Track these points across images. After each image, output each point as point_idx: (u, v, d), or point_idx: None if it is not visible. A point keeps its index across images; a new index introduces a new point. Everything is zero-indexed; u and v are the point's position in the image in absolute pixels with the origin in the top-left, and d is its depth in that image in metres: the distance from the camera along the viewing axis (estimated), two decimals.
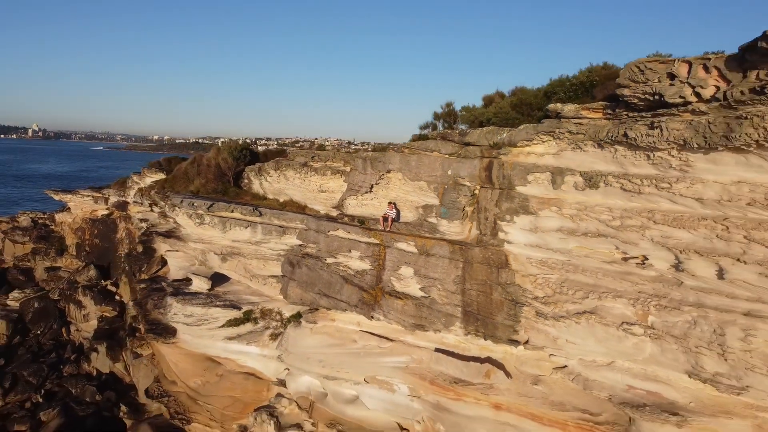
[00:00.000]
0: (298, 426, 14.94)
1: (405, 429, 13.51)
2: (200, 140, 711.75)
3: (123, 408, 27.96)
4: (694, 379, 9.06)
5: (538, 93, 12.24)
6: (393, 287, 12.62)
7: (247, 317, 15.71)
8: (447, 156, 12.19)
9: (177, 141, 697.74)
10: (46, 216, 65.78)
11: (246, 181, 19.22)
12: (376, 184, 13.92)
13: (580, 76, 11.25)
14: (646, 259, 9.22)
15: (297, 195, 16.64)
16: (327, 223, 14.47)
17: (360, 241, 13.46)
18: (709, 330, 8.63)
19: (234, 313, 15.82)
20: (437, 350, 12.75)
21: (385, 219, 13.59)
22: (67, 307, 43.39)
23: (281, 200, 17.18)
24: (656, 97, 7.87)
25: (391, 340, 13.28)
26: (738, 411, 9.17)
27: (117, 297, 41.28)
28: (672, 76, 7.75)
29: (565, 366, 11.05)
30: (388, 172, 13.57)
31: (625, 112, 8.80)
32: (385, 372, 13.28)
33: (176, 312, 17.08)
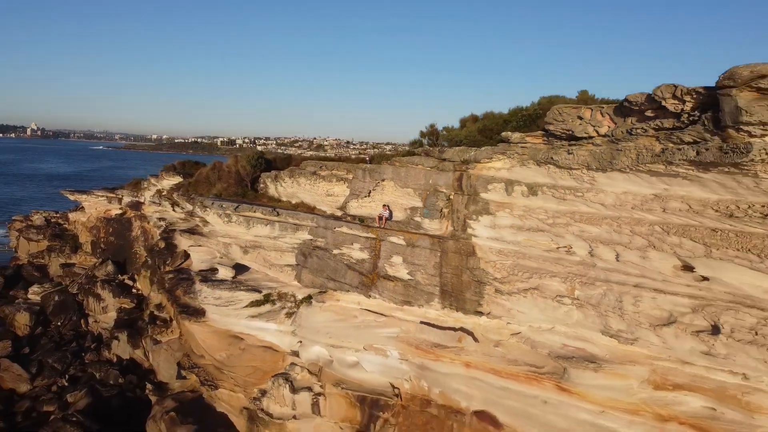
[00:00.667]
0: (309, 388, 18.31)
1: (396, 387, 16.88)
2: (199, 140, 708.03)
3: (148, 386, 31.47)
4: (606, 336, 12.44)
5: (500, 119, 15.63)
6: (386, 272, 16.02)
7: (267, 299, 19.08)
8: (429, 168, 15.57)
9: (176, 140, 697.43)
10: (58, 215, 69.29)
11: (262, 185, 22.58)
12: (373, 190, 17.31)
13: (529, 109, 14.61)
14: (571, 248, 12.58)
15: (307, 198, 20.00)
16: (333, 221, 17.85)
17: (360, 236, 16.85)
18: (614, 299, 12.00)
19: (255, 296, 19.20)
20: (422, 322, 16.13)
21: (380, 218, 16.95)
22: (85, 300, 46.70)
23: (293, 202, 20.54)
24: (570, 131, 11.22)
25: (385, 316, 16.66)
26: (639, 360, 12.55)
27: (134, 290, 44.70)
28: (580, 118, 11.09)
29: (519, 332, 14.43)
30: (383, 180, 16.96)
31: (555, 140, 12.15)
32: (380, 341, 16.66)
33: (206, 296, 20.45)
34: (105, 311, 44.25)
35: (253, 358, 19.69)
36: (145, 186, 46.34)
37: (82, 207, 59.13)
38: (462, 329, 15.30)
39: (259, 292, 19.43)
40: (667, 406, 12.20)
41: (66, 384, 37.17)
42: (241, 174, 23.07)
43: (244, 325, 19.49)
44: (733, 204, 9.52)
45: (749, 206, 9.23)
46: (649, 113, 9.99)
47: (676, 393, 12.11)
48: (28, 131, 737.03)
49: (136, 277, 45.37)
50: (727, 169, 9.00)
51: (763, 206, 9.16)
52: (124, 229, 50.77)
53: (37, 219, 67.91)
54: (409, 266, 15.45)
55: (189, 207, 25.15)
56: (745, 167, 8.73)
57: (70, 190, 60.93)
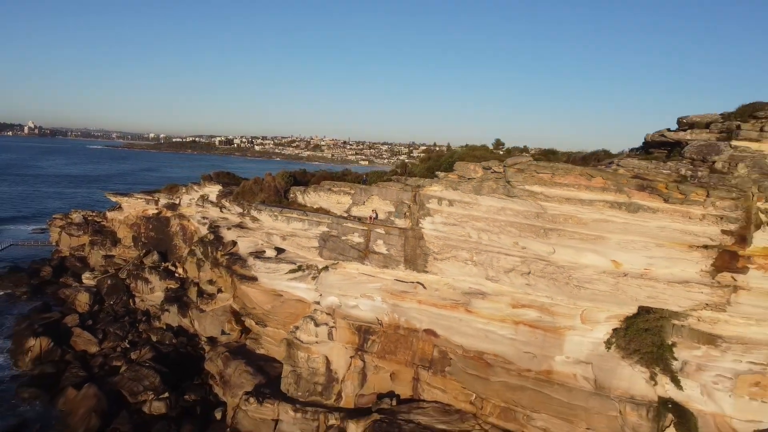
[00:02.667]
0: (326, 324, 29.87)
1: (379, 319, 28.46)
2: (197, 139, 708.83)
3: (202, 339, 43.29)
4: (488, 280, 24.10)
5: (438, 161, 27.37)
6: (373, 249, 27.66)
7: (299, 268, 30.69)
8: (398, 189, 27.21)
9: (174, 139, 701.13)
10: (94, 214, 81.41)
11: (293, 195, 34.21)
12: (366, 200, 28.95)
13: (447, 157, 26.33)
14: (470, 235, 24.20)
15: (324, 204, 31.59)
16: (342, 219, 29.43)
17: (358, 228, 28.46)
18: (489, 259, 23.66)
19: (292, 266, 30.80)
20: (395, 280, 27.74)
21: (371, 218, 28.49)
22: (133, 284, 58.29)
23: (315, 207, 32.13)
24: (462, 176, 22.85)
25: (373, 276, 28.27)
26: (504, 292, 24.23)
27: (177, 274, 56.15)
28: (476, 169, 22.70)
29: (447, 282, 26.06)
30: (372, 195, 28.61)
31: (460, 177, 23.80)
32: (369, 291, 28.28)
33: (258, 267, 32.09)
34: (152, 291, 55.88)
35: (289, 307, 31.28)
36: (184, 191, 58.05)
37: (120, 207, 70.88)
38: (417, 282, 26.95)
39: (294, 263, 31.08)
40: (518, 316, 23.93)
41: (128, 346, 48.88)
42: (277, 187, 34.72)
43: (285, 285, 31.16)
44: (522, 213, 21.23)
45: (524, 211, 20.93)
46: (495, 168, 21.67)
47: (523, 309, 23.83)
48: (26, 129, 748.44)
49: (177, 264, 57.01)
50: (510, 196, 20.77)
51: (527, 211, 20.92)
52: (163, 226, 62.49)
53: (76, 217, 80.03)
54: (387, 246, 27.12)
55: (239, 210, 36.83)
56: (515, 195, 20.47)
57: (113, 193, 72.95)
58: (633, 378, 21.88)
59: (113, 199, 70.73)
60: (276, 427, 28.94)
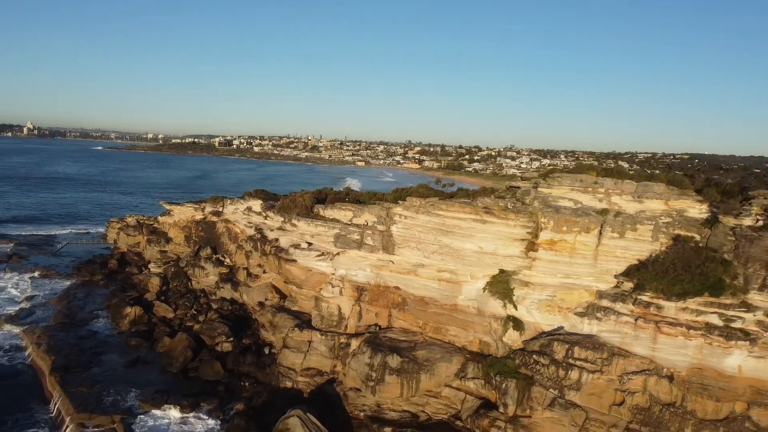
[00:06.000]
0: (338, 286, 52.63)
1: (369, 282, 51.25)
2: (196, 140, 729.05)
3: (251, 304, 65.80)
4: (426, 259, 46.91)
5: (404, 190, 50.23)
6: (365, 242, 50.61)
7: (322, 254, 53.57)
8: (379, 208, 50.10)
9: (173, 140, 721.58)
10: (145, 218, 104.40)
11: (316, 210, 57.14)
12: (361, 214, 51.84)
13: (412, 189, 49.11)
14: (417, 235, 46.93)
15: (336, 216, 54.40)
16: (347, 225, 52.27)
17: (356, 230, 51.38)
18: (424, 247, 46.54)
19: (317, 253, 53.70)
20: (378, 259, 50.54)
21: (365, 224, 51.29)
22: (191, 270, 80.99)
23: (330, 218, 54.99)
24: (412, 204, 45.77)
25: (365, 257, 51.06)
26: (433, 265, 47.11)
27: (225, 263, 78.59)
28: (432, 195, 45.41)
29: (408, 261, 48.86)
30: (365, 211, 51.49)
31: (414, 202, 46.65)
32: (363, 266, 51.20)
33: (297, 254, 55.01)
34: (207, 276, 78.62)
35: (316, 277, 54.20)
36: (229, 203, 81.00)
37: (170, 212, 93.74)
38: (389, 260, 49.80)
39: (319, 251, 54.01)
40: (440, 276, 46.89)
41: (195, 312, 71.43)
42: (306, 204, 57.67)
43: (313, 264, 54.11)
44: (437, 223, 44.10)
45: (438, 222, 43.83)
46: (422, 202, 44.54)
47: (441, 273, 46.82)
48: (25, 130, 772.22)
49: (224, 256, 79.78)
50: (429, 215, 43.65)
51: (439, 222, 43.82)
52: (210, 228, 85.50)
53: (131, 221, 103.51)
54: (373, 240, 50.07)
55: (281, 219, 59.88)
56: (432, 214, 43.41)
57: (167, 202, 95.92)
58: (495, 306, 44.83)
59: (167, 206, 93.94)
60: (310, 345, 51.84)
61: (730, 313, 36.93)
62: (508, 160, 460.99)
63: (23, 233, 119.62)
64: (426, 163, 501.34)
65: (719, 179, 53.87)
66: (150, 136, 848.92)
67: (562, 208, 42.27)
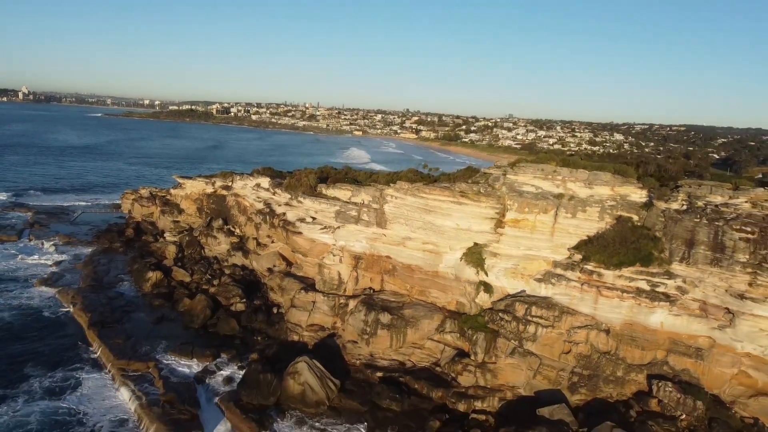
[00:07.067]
0: (339, 255, 61.71)
1: (365, 251, 60.35)
2: (193, 107, 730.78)
3: (261, 270, 75.10)
4: (412, 233, 55.90)
5: (397, 174, 59.01)
6: (362, 218, 59.67)
7: (325, 227, 62.54)
8: (374, 189, 58.99)
9: (170, 107, 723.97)
10: (157, 190, 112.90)
11: (319, 189, 65.90)
12: (359, 194, 60.70)
13: (402, 173, 57.84)
14: (407, 213, 55.84)
15: (337, 194, 63.23)
16: (346, 203, 61.19)
17: (354, 207, 60.37)
18: (411, 223, 55.54)
19: (321, 226, 62.67)
20: (372, 232, 59.55)
21: (362, 203, 60.19)
22: (204, 239, 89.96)
23: (332, 196, 63.85)
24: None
25: (362, 231, 60.11)
26: (419, 238, 56.16)
27: (235, 233, 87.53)
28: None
29: (399, 234, 57.86)
30: (361, 191, 60.37)
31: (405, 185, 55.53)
32: (360, 238, 60.32)
33: (302, 227, 64.01)
34: (219, 245, 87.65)
35: (319, 247, 63.27)
36: (238, 178, 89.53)
37: (182, 185, 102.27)
38: (382, 233, 58.81)
39: (322, 225, 62.96)
40: (425, 247, 56.02)
41: (210, 277, 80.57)
42: (311, 183, 66.43)
43: (317, 236, 63.18)
44: (421, 203, 53.04)
45: (422, 203, 52.70)
46: (410, 186, 53.33)
47: (426, 245, 55.89)
48: (20, 95, 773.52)
49: (234, 226, 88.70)
50: (415, 197, 52.62)
51: (423, 203, 52.75)
52: (221, 201, 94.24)
53: (144, 192, 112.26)
54: (368, 216, 59.07)
55: (288, 196, 68.68)
56: (417, 197, 52.37)
57: (181, 176, 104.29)
58: (470, 273, 54.05)
59: (179, 180, 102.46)
60: (314, 305, 61.20)
61: (656, 279, 46.32)
62: (504, 132, 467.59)
63: (40, 203, 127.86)
64: (423, 133, 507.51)
65: (669, 167, 62.38)
66: (146, 102, 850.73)
67: (525, 192, 51.28)
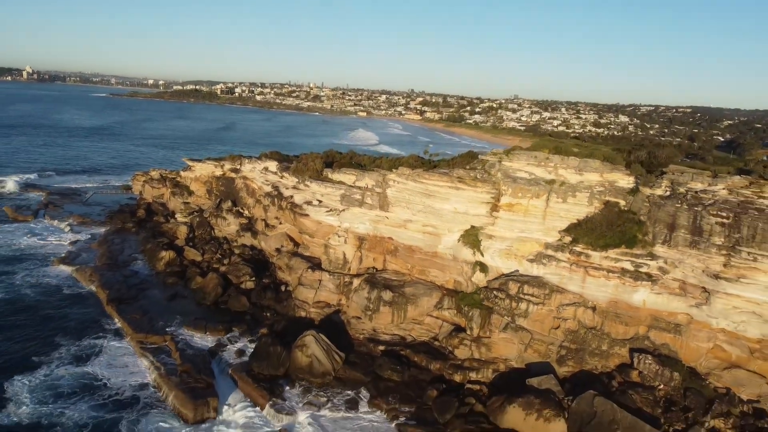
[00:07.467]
0: (344, 236, 65.40)
1: (369, 233, 64.00)
2: (197, 86, 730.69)
3: (269, 250, 78.94)
4: (414, 216, 59.47)
5: (398, 160, 62.40)
6: (366, 201, 63.27)
7: (331, 210, 66.20)
8: (377, 174, 62.46)
9: (174, 87, 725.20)
10: (167, 171, 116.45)
11: (325, 173, 69.40)
12: (363, 178, 64.20)
13: (404, 159, 61.15)
14: (408, 197, 59.35)
15: (342, 179, 66.72)
16: (351, 187, 64.74)
17: (359, 191, 63.94)
18: (412, 206, 59.08)
19: (327, 209, 66.32)
20: (375, 215, 63.17)
21: (366, 188, 63.73)
22: (214, 220, 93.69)
23: (337, 180, 67.36)
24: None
25: (365, 214, 63.71)
26: (419, 221, 59.75)
27: (244, 214, 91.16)
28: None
29: (400, 217, 61.43)
30: (365, 176, 63.85)
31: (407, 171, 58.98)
32: (364, 220, 63.97)
33: (309, 209, 67.72)
34: (228, 226, 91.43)
35: (325, 228, 66.95)
36: (246, 161, 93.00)
37: (191, 168, 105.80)
38: (385, 216, 62.41)
39: (328, 207, 66.56)
40: (425, 229, 59.67)
41: (220, 257, 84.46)
42: (317, 167, 69.90)
43: (323, 218, 66.85)
44: (421, 188, 56.53)
45: (422, 187, 56.28)
46: (411, 171, 56.78)
47: (426, 227, 59.53)
48: (24, 74, 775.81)
49: (243, 208, 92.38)
50: (415, 182, 56.09)
51: (423, 187, 56.26)
52: (230, 183, 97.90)
53: (155, 174, 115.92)
54: (371, 199, 62.69)
55: (295, 179, 72.17)
56: (417, 182, 55.87)
57: (189, 158, 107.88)
58: (467, 253, 57.68)
59: (189, 162, 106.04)
60: (320, 283, 65.02)
61: (639, 260, 49.88)
62: (509, 113, 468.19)
63: (52, 184, 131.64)
64: (427, 114, 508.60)
65: (659, 153, 65.51)
66: (150, 82, 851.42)
67: (519, 178, 54.75)
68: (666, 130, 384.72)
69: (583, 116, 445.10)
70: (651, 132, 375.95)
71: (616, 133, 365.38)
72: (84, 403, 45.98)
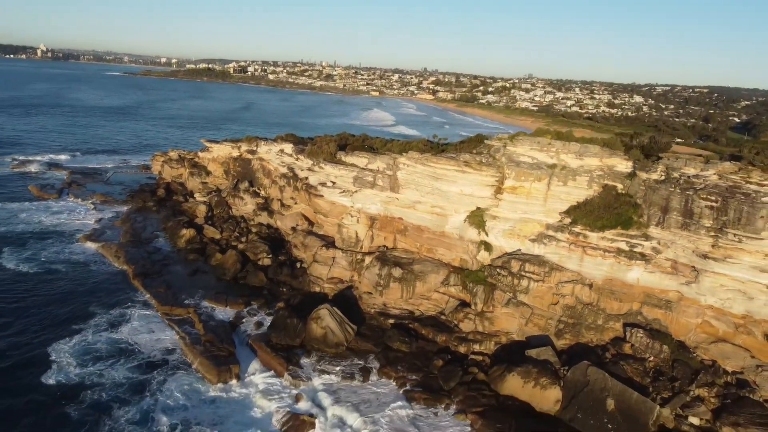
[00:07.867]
0: (356, 216, 69.13)
1: (380, 213, 67.64)
2: (210, 65, 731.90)
3: (283, 230, 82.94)
4: (423, 198, 63.00)
5: (408, 144, 65.76)
6: (377, 183, 66.85)
7: (344, 191, 69.82)
8: (388, 157, 65.90)
9: (187, 66, 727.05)
10: (186, 152, 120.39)
11: (338, 156, 72.92)
12: (374, 161, 67.70)
13: (413, 144, 64.58)
14: (415, 179, 62.81)
15: (355, 161, 70.19)
16: (363, 170, 68.25)
17: (370, 173, 67.50)
18: (421, 188, 62.58)
19: (340, 190, 69.98)
20: (386, 196, 66.76)
21: (377, 170, 67.24)
22: (231, 200, 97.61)
23: (350, 163, 70.88)
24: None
25: (377, 195, 67.32)
26: (428, 202, 63.27)
27: (260, 195, 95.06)
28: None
29: (410, 198, 64.95)
30: (377, 159, 67.33)
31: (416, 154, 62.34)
32: (375, 201, 67.61)
33: (323, 190, 71.38)
34: (245, 205, 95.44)
35: (339, 208, 70.70)
36: (263, 143, 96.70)
37: (209, 149, 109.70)
38: (395, 197, 65.98)
39: (342, 189, 70.21)
40: (433, 210, 63.25)
41: (238, 235, 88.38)
42: (331, 150, 73.41)
43: (337, 199, 70.57)
44: (429, 171, 59.94)
45: (429, 171, 59.64)
46: (420, 155, 60.23)
47: (434, 208, 63.09)
48: (39, 52, 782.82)
49: (260, 188, 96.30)
50: (424, 166, 59.52)
51: (431, 171, 59.65)
52: (246, 164, 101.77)
53: (174, 155, 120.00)
54: (383, 181, 66.24)
55: (310, 162, 75.77)
56: (426, 165, 59.34)
57: (206, 140, 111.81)
58: (472, 233, 61.22)
59: (207, 144, 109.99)
60: (334, 260, 68.95)
61: (634, 241, 53.19)
62: (522, 93, 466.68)
63: (74, 164, 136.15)
64: (440, 94, 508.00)
65: (659, 139, 68.29)
66: (163, 60, 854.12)
67: (522, 162, 58.05)
68: (681, 111, 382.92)
69: (597, 96, 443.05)
70: (666, 113, 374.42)
71: (630, 113, 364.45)
72: (120, 365, 50.73)
